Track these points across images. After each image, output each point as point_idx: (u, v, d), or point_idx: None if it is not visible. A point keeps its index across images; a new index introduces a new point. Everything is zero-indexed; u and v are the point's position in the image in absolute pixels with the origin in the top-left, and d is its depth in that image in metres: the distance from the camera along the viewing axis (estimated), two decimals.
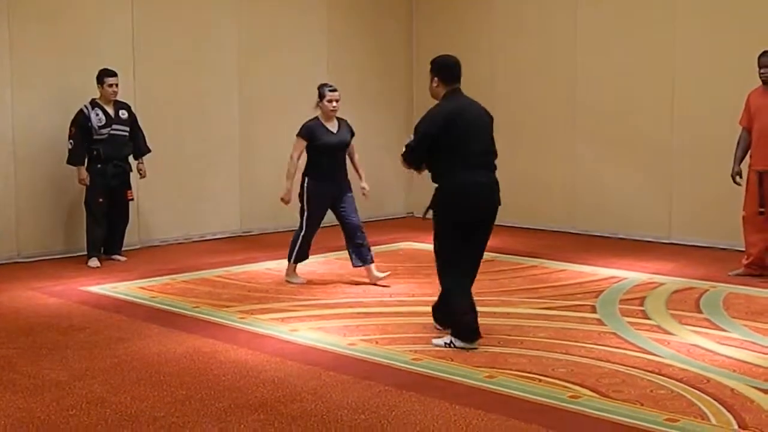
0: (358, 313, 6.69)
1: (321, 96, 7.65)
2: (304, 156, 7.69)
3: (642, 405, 4.60)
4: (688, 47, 9.59)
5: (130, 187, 8.81)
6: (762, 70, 7.74)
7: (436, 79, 5.90)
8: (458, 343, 5.67)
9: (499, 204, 5.84)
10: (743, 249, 8.07)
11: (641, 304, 6.86)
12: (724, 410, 4.52)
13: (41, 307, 6.90)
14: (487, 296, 7.15)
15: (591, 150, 10.44)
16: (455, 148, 5.66)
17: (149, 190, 9.50)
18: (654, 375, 5.10)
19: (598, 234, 10.31)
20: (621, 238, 10.07)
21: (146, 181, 9.14)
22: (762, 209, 7.77)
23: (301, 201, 7.65)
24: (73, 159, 8.51)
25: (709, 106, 9.42)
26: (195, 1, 10.00)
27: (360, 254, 7.65)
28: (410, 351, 5.61)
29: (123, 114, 8.67)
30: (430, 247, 9.54)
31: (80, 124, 8.46)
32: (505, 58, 11.10)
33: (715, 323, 6.28)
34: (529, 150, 10.84)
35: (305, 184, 7.60)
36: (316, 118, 7.67)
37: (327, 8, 11.23)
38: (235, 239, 10.27)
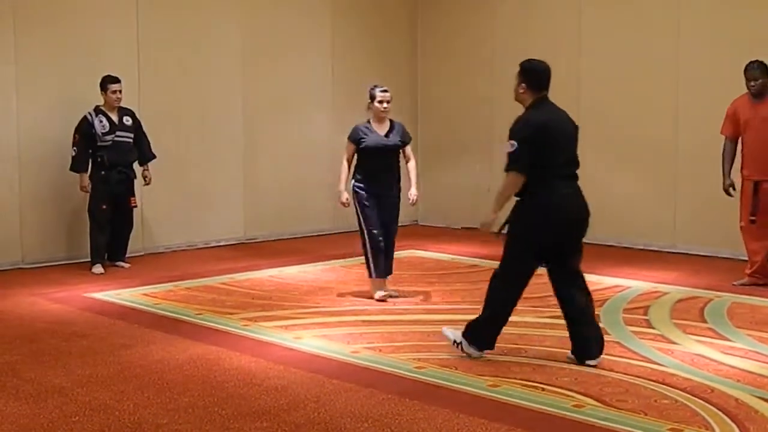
0: (362, 321, 6.68)
1: (371, 97, 7.44)
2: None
3: (646, 414, 4.59)
4: (692, 51, 9.59)
5: (133, 194, 8.79)
6: (751, 83, 7.72)
7: (523, 84, 5.60)
8: (467, 349, 5.62)
9: (588, 215, 5.60)
10: (746, 258, 8.06)
11: (645, 314, 6.85)
12: (728, 420, 4.51)
13: (45, 314, 6.90)
14: None
15: (595, 155, 10.42)
16: (542, 159, 5.39)
17: (153, 196, 9.50)
18: (658, 384, 5.09)
19: (603, 243, 10.29)
20: (625, 247, 10.06)
21: (150, 187, 9.15)
22: (753, 217, 7.77)
23: (355, 209, 7.48)
24: (76, 166, 8.52)
25: (713, 111, 9.37)
26: (199, 7, 10.02)
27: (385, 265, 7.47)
28: (414, 359, 5.60)
29: (127, 120, 8.66)
30: (434, 255, 9.55)
31: (84, 131, 8.46)
32: (508, 64, 11.05)
33: (719, 333, 6.26)
34: None
35: (353, 190, 7.44)
36: (368, 120, 7.49)
37: (331, 13, 11.26)
38: (238, 246, 10.28)
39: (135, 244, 9.23)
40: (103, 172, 8.53)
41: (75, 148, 8.48)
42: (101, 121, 8.49)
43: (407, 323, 6.61)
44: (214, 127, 10.21)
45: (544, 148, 5.42)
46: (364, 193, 7.35)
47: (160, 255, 9.58)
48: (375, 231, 7.35)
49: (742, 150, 7.93)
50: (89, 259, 8.64)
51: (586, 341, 5.55)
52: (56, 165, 8.80)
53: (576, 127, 5.71)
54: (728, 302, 7.23)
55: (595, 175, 10.43)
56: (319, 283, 8.07)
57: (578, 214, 5.56)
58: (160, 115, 9.61)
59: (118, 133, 8.57)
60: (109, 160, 8.52)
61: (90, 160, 8.55)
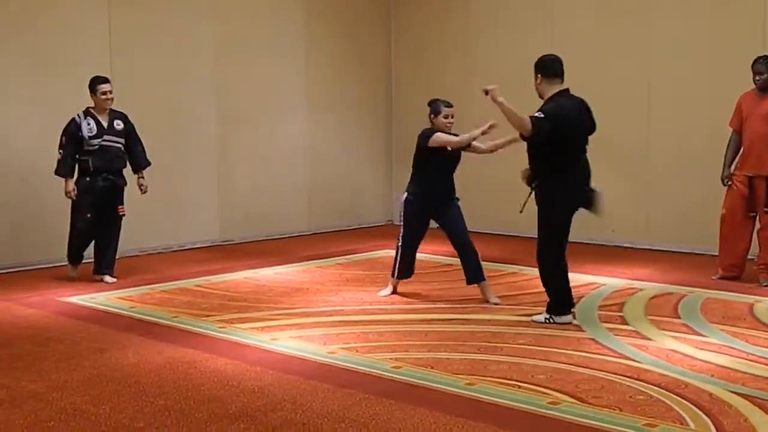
0: (338, 321, 6.68)
1: (435, 112, 7.24)
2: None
3: (621, 410, 4.62)
4: (664, 52, 9.65)
5: (122, 203, 8.31)
6: (756, 77, 7.75)
7: (538, 76, 6.55)
8: (558, 320, 6.43)
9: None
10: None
11: (620, 310, 6.89)
12: (702, 415, 4.55)
13: (19, 319, 6.86)
14: (467, 303, 7.16)
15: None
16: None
17: (127, 199, 9.42)
18: (633, 380, 5.12)
19: (577, 240, 10.31)
20: (599, 245, 10.11)
21: (125, 190, 9.07)
22: (753, 213, 7.82)
23: (401, 214, 7.42)
24: (61, 170, 8.06)
25: (685, 110, 9.50)
26: (172, 9, 9.97)
27: (468, 271, 7.31)
28: (390, 359, 5.61)
29: (118, 124, 8.19)
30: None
31: (71, 133, 8.03)
32: (481, 63, 11.14)
33: (693, 328, 6.32)
34: (505, 156, 10.84)
35: (405, 202, 7.32)
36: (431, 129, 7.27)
37: (305, 14, 11.25)
38: (214, 248, 10.25)
39: None
40: (87, 179, 8.10)
41: (61, 150, 8.06)
42: (89, 124, 8.04)
43: (383, 323, 6.62)
44: (188, 130, 10.18)
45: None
46: (416, 209, 7.27)
47: (135, 258, 9.52)
48: (407, 242, 7.38)
49: (741, 142, 7.92)
50: (64, 264, 8.41)
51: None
52: (29, 169, 8.71)
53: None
54: (702, 298, 7.29)
55: None
56: (295, 285, 8.07)
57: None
58: (134, 118, 9.48)
59: (105, 137, 8.12)
60: (94, 166, 8.07)
61: (75, 165, 8.12)
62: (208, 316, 6.86)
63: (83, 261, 8.42)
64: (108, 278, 8.24)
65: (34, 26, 8.89)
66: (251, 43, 10.73)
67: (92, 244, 8.37)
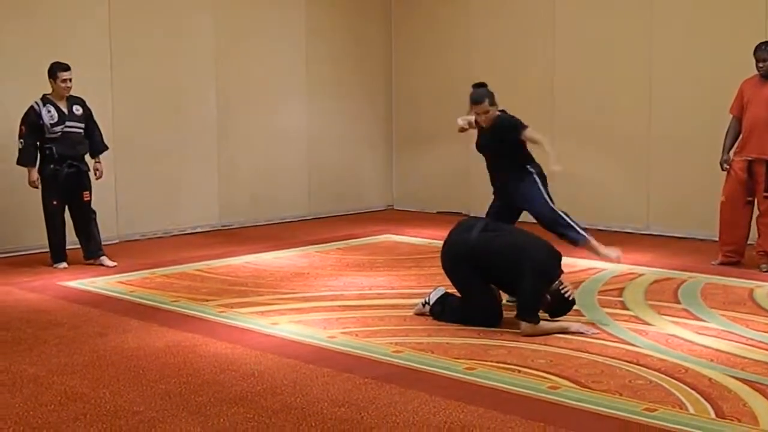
0: (338, 306, 6.68)
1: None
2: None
3: (621, 395, 4.62)
4: (665, 39, 9.63)
5: (87, 188, 8.19)
6: (759, 64, 7.71)
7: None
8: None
9: None
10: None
11: (620, 295, 6.90)
12: (702, 399, 4.55)
13: (19, 302, 6.86)
14: None
15: (569, 139, 10.46)
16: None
17: (128, 184, 9.44)
18: (633, 365, 5.13)
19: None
20: (599, 230, 10.09)
21: (125, 174, 9.07)
22: (750, 198, 7.82)
23: None
24: (24, 160, 7.97)
25: (686, 97, 9.47)
26: None
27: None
28: (390, 343, 5.62)
29: (77, 110, 8.08)
30: (409, 239, 9.53)
31: (31, 121, 7.92)
32: (483, 51, 11.11)
33: (693, 313, 6.32)
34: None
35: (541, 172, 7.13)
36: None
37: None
38: (214, 233, 10.24)
39: (110, 232, 9.15)
40: (52, 166, 7.98)
41: (21, 140, 7.95)
42: (49, 111, 7.94)
43: (383, 308, 6.62)
44: (188, 114, 10.16)
45: None
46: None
47: (135, 242, 9.52)
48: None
49: (741, 128, 7.90)
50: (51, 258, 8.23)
51: None
52: None
53: None
54: (702, 283, 7.29)
55: (570, 161, 10.47)
56: (295, 269, 8.07)
57: None
58: (134, 103, 9.54)
59: (67, 123, 8.00)
60: (58, 153, 7.97)
61: (38, 153, 8.00)
62: (207, 300, 6.86)
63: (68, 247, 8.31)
64: (106, 260, 8.22)
65: (33, 8, 8.85)
66: (252, 27, 10.69)
67: (73, 234, 8.30)
